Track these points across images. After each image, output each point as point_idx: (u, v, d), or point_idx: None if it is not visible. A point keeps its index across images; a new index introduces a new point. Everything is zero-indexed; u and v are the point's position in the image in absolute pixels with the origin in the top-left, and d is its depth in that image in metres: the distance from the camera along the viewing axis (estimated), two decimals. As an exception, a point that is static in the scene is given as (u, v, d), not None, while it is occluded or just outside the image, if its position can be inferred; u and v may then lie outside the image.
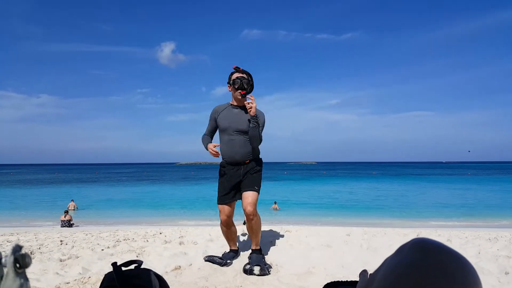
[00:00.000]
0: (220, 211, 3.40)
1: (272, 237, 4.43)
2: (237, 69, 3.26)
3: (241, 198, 3.37)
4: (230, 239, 3.61)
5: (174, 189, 33.04)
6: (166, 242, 4.40)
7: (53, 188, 33.63)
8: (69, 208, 16.58)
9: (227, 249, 3.74)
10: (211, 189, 32.04)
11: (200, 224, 13.23)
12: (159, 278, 1.01)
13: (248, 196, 3.26)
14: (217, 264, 3.35)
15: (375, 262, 3.35)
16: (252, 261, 3.25)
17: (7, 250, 0.45)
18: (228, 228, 3.48)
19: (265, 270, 3.16)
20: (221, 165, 3.45)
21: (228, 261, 3.40)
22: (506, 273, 3.16)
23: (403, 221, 14.08)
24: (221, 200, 3.40)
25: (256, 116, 3.17)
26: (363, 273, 0.64)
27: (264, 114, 3.36)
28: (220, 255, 3.57)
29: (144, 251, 3.95)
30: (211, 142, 3.48)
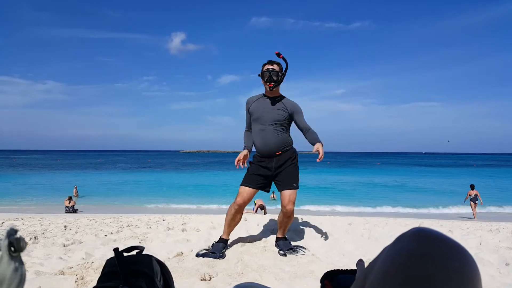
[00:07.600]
0: (239, 193, 3.31)
1: (273, 226, 4.44)
2: (277, 55, 3.25)
3: (265, 190, 3.43)
4: (230, 226, 3.44)
5: (177, 177, 33.19)
6: (169, 228, 4.43)
7: (54, 175, 33.87)
8: (73, 194, 16.76)
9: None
10: (215, 177, 32.20)
11: (203, 212, 13.35)
12: (161, 264, 1.01)
13: (289, 194, 3.28)
14: (212, 258, 3.19)
15: (375, 251, 3.36)
16: (282, 247, 3.38)
17: (1, 233, 0.44)
18: (237, 213, 3.34)
19: (299, 251, 3.34)
20: (254, 156, 3.45)
21: (220, 254, 3.26)
22: (507, 264, 3.16)
23: (406, 211, 14.12)
24: (245, 182, 3.35)
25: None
26: (360, 262, 0.63)
27: (297, 104, 3.41)
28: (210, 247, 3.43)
29: (147, 237, 3.98)
30: (251, 141, 3.47)
